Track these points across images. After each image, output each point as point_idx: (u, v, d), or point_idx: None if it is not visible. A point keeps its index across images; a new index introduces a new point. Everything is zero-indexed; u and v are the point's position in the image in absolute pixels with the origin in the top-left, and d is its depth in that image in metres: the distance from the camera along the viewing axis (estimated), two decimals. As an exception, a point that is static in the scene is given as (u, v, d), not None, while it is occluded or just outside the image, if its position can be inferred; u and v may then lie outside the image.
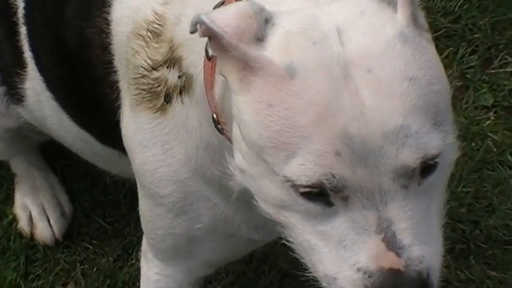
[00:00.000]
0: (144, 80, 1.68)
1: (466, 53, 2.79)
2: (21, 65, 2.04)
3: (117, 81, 1.78)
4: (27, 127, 2.25)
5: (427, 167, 1.39)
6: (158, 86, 1.66)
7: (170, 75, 1.63)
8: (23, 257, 2.50)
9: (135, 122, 1.73)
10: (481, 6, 2.85)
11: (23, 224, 2.55)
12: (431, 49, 1.43)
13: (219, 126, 1.55)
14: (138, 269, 2.05)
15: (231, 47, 1.38)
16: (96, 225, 2.55)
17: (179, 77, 1.61)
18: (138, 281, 2.04)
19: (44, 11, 1.92)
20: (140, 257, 2.03)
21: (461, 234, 2.49)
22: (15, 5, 2.00)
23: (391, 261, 1.38)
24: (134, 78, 1.70)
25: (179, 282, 1.96)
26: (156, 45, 1.66)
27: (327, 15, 1.40)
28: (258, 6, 1.40)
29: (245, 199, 1.53)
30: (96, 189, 2.60)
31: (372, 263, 1.38)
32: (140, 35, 1.68)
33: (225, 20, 1.38)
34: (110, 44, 1.76)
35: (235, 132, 1.46)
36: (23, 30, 1.99)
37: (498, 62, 2.79)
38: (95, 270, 2.48)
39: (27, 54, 2.00)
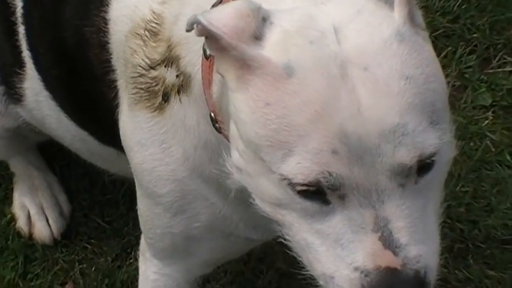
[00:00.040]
0: (142, 79, 1.68)
1: (465, 52, 2.79)
2: (20, 64, 2.04)
3: (115, 80, 1.78)
4: (26, 127, 2.26)
5: (423, 166, 1.39)
6: (156, 85, 1.66)
7: (168, 74, 1.63)
8: (22, 257, 2.50)
9: (133, 121, 1.73)
10: (480, 6, 2.86)
11: (21, 223, 2.55)
12: (428, 47, 1.43)
13: (217, 125, 1.55)
14: (137, 269, 2.04)
15: (231, 47, 1.39)
16: (94, 224, 2.56)
17: (177, 76, 1.62)
18: (137, 280, 2.04)
19: (42, 10, 1.93)
20: (138, 257, 2.03)
21: (459, 234, 2.50)
22: (14, 4, 2.00)
23: (388, 260, 1.38)
24: (132, 77, 1.70)
25: (177, 281, 1.96)
26: (154, 44, 1.66)
27: (324, 13, 1.40)
28: (255, 5, 1.40)
29: (243, 198, 1.53)
30: (94, 189, 2.60)
31: (369, 262, 1.39)
32: (138, 34, 1.68)
33: (222, 19, 1.38)
34: (108, 43, 1.76)
35: (232, 131, 1.47)
36: (21, 29, 1.99)
37: (496, 62, 2.79)
38: (93, 269, 2.48)
39: (26, 54, 2.00)
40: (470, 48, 2.80)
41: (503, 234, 2.49)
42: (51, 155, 2.62)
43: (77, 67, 1.87)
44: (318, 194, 1.39)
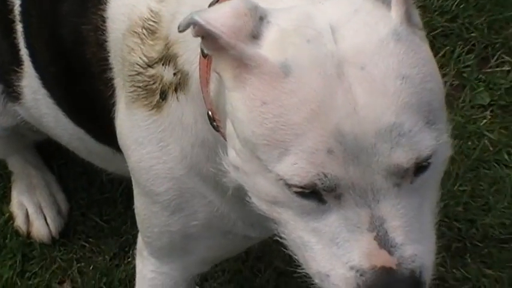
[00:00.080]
0: (139, 77, 1.68)
1: (463, 52, 2.80)
2: (18, 62, 2.04)
3: (112, 79, 1.78)
4: (24, 125, 2.26)
5: (420, 167, 1.39)
6: (154, 83, 1.66)
7: (165, 72, 1.63)
8: (20, 255, 2.50)
9: (130, 120, 1.73)
10: (478, 5, 2.86)
11: (19, 222, 2.55)
12: (425, 47, 1.43)
13: (215, 124, 1.55)
14: (135, 267, 2.04)
15: (229, 46, 1.39)
16: (92, 223, 2.56)
17: (174, 74, 1.62)
18: (135, 279, 2.04)
19: (40, 8, 1.93)
20: (136, 255, 2.03)
21: (457, 233, 2.50)
22: (12, 2, 2.00)
23: (383, 259, 1.38)
24: (130, 75, 1.70)
25: (175, 279, 1.96)
26: (151, 42, 1.66)
27: (322, 12, 1.40)
28: (252, 4, 1.40)
29: (240, 196, 1.53)
30: (92, 188, 2.60)
31: (365, 261, 1.39)
32: (136, 32, 1.68)
33: (220, 19, 1.38)
34: (106, 41, 1.76)
35: (229, 129, 1.47)
36: (19, 27, 1.99)
37: (495, 61, 2.80)
38: (91, 268, 2.48)
39: (24, 52, 2.00)
40: (468, 47, 2.81)
41: (500, 233, 2.49)
42: (49, 153, 2.62)
43: (74, 65, 1.87)
44: (314, 193, 1.39)
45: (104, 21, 1.76)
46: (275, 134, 1.37)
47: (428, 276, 1.42)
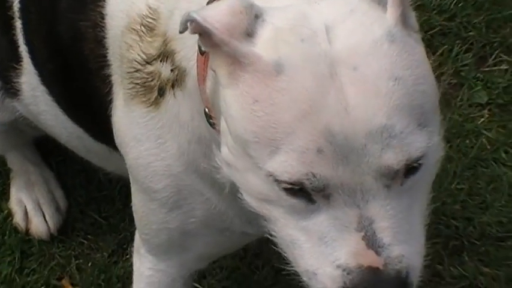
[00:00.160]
0: (138, 74, 1.68)
1: (461, 50, 2.80)
2: (17, 59, 2.04)
3: (110, 75, 1.78)
4: (23, 121, 2.26)
5: (410, 168, 1.39)
6: (152, 80, 1.66)
7: (163, 68, 1.63)
8: (18, 252, 2.51)
9: (128, 116, 1.73)
10: (476, 5, 2.86)
11: (18, 218, 2.55)
12: (419, 49, 1.43)
13: (211, 121, 1.55)
14: (133, 264, 2.04)
15: (223, 43, 1.39)
16: (91, 220, 2.56)
17: (172, 70, 1.62)
18: (133, 276, 2.04)
19: (39, 5, 1.93)
20: (133, 253, 2.03)
21: (454, 231, 2.50)
22: (11, -1, 2.01)
23: (370, 259, 1.39)
24: (128, 72, 1.70)
25: (172, 276, 1.96)
26: (149, 39, 1.66)
27: (317, 12, 1.40)
28: (248, 2, 1.40)
29: (237, 193, 1.54)
30: (91, 185, 2.60)
31: (352, 260, 1.39)
32: (134, 29, 1.69)
33: (216, 16, 1.39)
34: (104, 38, 1.77)
35: (223, 126, 1.47)
36: (18, 24, 1.99)
37: (492, 60, 2.80)
38: (89, 265, 2.48)
39: (23, 48, 2.01)
40: (466, 46, 2.81)
41: (498, 232, 2.49)
42: (47, 150, 2.62)
43: (72, 61, 1.87)
44: (303, 192, 1.40)
45: (103, 18, 1.76)
46: (266, 132, 1.38)
47: (415, 277, 1.42)
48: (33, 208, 2.55)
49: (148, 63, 1.67)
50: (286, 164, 1.37)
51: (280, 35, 1.39)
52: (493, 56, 2.80)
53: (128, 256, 2.46)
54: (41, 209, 2.56)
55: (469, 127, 2.66)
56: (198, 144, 1.65)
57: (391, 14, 1.41)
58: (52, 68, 1.95)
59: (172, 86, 1.63)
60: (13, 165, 2.57)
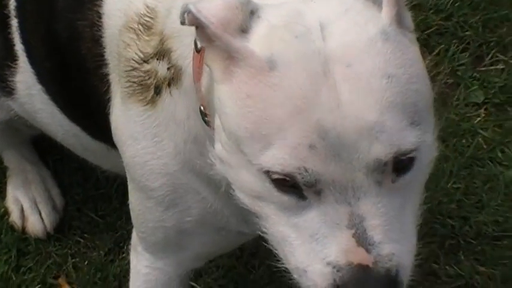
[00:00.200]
0: (135, 73, 1.69)
1: (458, 50, 2.80)
2: (12, 57, 2.04)
3: (107, 74, 1.79)
4: (18, 120, 2.26)
5: (401, 165, 1.40)
6: (149, 79, 1.67)
7: (160, 67, 1.64)
8: (15, 250, 2.51)
9: (125, 115, 1.74)
10: (473, 4, 2.87)
11: (14, 217, 2.55)
12: (414, 49, 1.44)
13: (206, 119, 1.55)
14: (129, 263, 2.04)
15: (216, 37, 1.40)
16: (87, 218, 2.56)
17: (168, 68, 1.62)
18: (129, 274, 2.04)
19: (36, 4, 1.93)
20: (130, 251, 2.03)
21: (451, 230, 2.50)
22: (7, -3, 2.01)
23: (360, 257, 1.39)
24: (125, 71, 1.71)
25: (169, 275, 1.96)
26: (147, 38, 1.67)
27: (312, 10, 1.41)
28: None
29: (230, 190, 1.54)
30: (88, 183, 2.60)
31: (342, 257, 1.39)
32: (132, 28, 1.69)
33: (211, 10, 1.39)
34: (101, 37, 1.77)
35: (217, 123, 1.48)
36: (14, 22, 1.99)
37: (489, 60, 2.80)
38: (86, 263, 2.48)
39: (19, 47, 2.01)
40: (463, 46, 2.81)
41: (494, 231, 2.50)
42: (44, 149, 2.62)
43: (69, 61, 1.87)
44: (294, 188, 1.40)
45: (100, 17, 1.77)
46: (258, 128, 1.38)
47: (405, 276, 1.42)
48: (29, 206, 2.55)
49: (145, 61, 1.67)
50: (279, 157, 1.37)
51: (274, 31, 1.39)
52: (490, 56, 2.81)
53: (124, 255, 2.47)
54: (38, 208, 2.56)
55: (465, 126, 2.67)
56: (194, 144, 1.66)
57: (386, 13, 1.41)
58: (49, 67, 1.95)
59: (169, 85, 1.63)
60: (10, 163, 2.57)
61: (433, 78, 2.74)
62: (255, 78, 1.38)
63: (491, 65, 2.80)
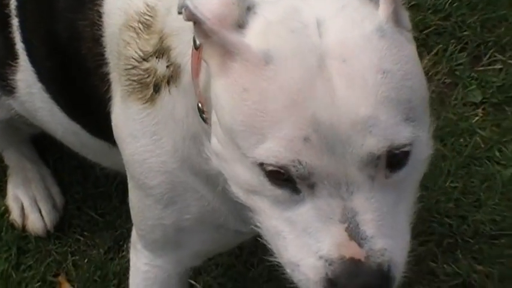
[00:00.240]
0: (134, 71, 1.70)
1: (456, 50, 2.81)
2: (13, 56, 2.05)
3: (108, 73, 1.79)
4: (19, 119, 2.26)
5: (395, 160, 1.40)
6: (148, 77, 1.67)
7: (159, 65, 1.65)
8: (15, 248, 2.51)
9: (125, 113, 1.75)
10: (471, 4, 2.87)
11: (15, 215, 2.56)
12: (410, 47, 1.44)
13: (204, 116, 1.56)
14: (129, 261, 2.05)
15: (212, 32, 1.41)
16: (87, 217, 2.56)
17: (167, 66, 1.63)
18: (129, 272, 2.05)
19: (36, 3, 1.94)
20: (130, 248, 2.04)
21: (448, 229, 2.51)
22: (7, -3, 2.02)
23: (352, 251, 1.39)
24: (125, 69, 1.71)
25: (168, 272, 1.97)
26: (147, 36, 1.67)
27: (309, 7, 1.42)
28: None
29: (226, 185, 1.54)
30: (87, 182, 2.61)
31: (334, 251, 1.40)
32: (132, 26, 1.70)
33: (208, 5, 1.40)
34: (102, 36, 1.78)
35: (213, 117, 1.49)
36: (15, 22, 2.00)
37: (487, 59, 2.81)
38: (86, 261, 2.49)
39: (19, 46, 2.01)
40: (461, 45, 2.82)
41: (491, 230, 2.50)
42: (44, 148, 2.62)
43: (70, 60, 1.88)
44: (288, 182, 1.41)
45: (100, 17, 1.77)
46: (253, 121, 1.39)
47: (397, 272, 1.42)
48: (29, 205, 2.56)
49: (144, 60, 1.68)
50: (274, 150, 1.38)
51: (270, 27, 1.40)
52: (488, 56, 2.81)
53: (124, 253, 2.47)
54: (38, 206, 2.56)
55: (463, 126, 2.67)
56: (192, 141, 1.66)
57: (382, 11, 1.42)
58: (50, 66, 1.95)
59: (168, 83, 1.64)
60: (10, 162, 2.58)
61: (431, 78, 2.75)
62: (251, 72, 1.39)
63: (489, 64, 2.80)
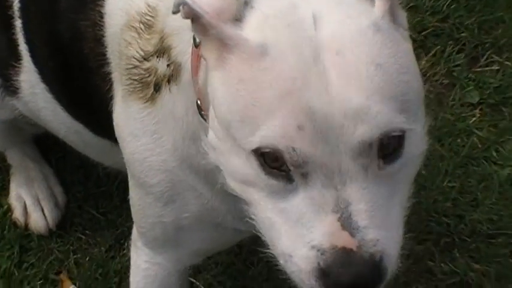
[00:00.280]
0: (135, 71, 1.71)
1: (453, 51, 2.81)
2: (16, 57, 2.06)
3: (109, 73, 1.80)
4: (22, 119, 2.27)
5: (388, 150, 1.41)
6: (149, 76, 1.69)
7: (160, 64, 1.66)
8: (17, 246, 2.52)
9: (126, 112, 1.76)
10: (468, 6, 2.88)
11: (17, 213, 2.56)
12: (406, 44, 1.46)
13: (203, 113, 1.57)
14: (130, 259, 2.05)
15: (210, 26, 1.42)
16: (89, 215, 2.57)
17: (168, 65, 1.64)
18: (130, 270, 2.06)
19: (39, 4, 1.95)
20: (131, 246, 2.05)
21: (446, 228, 2.51)
22: (11, -2, 2.03)
23: (344, 240, 1.39)
24: (126, 69, 1.72)
25: (168, 270, 1.98)
26: (148, 36, 1.69)
27: (306, 2, 1.43)
28: None
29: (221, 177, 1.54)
30: (89, 181, 2.62)
31: (326, 241, 1.40)
32: (133, 26, 1.71)
33: (206, 0, 1.42)
34: (103, 36, 1.79)
35: (211, 111, 1.50)
36: (18, 23, 2.01)
37: (484, 61, 2.81)
38: (87, 259, 2.49)
39: (23, 47, 2.02)
40: (458, 47, 2.82)
41: (488, 229, 2.51)
42: (47, 147, 2.63)
43: (72, 60, 1.89)
44: (282, 171, 1.41)
45: (102, 17, 1.78)
46: (249, 110, 1.40)
47: (390, 263, 1.42)
48: (32, 203, 2.56)
49: (145, 59, 1.69)
50: (268, 137, 1.39)
51: (267, 20, 1.42)
52: (485, 57, 2.81)
53: (125, 251, 2.48)
54: (40, 205, 2.57)
55: (460, 126, 2.68)
56: (192, 140, 1.67)
57: (378, 8, 1.44)
58: (53, 66, 1.96)
59: (168, 81, 1.65)
60: (13, 161, 2.59)
61: (429, 79, 2.76)
62: (246, 63, 1.40)
63: (487, 66, 2.80)
